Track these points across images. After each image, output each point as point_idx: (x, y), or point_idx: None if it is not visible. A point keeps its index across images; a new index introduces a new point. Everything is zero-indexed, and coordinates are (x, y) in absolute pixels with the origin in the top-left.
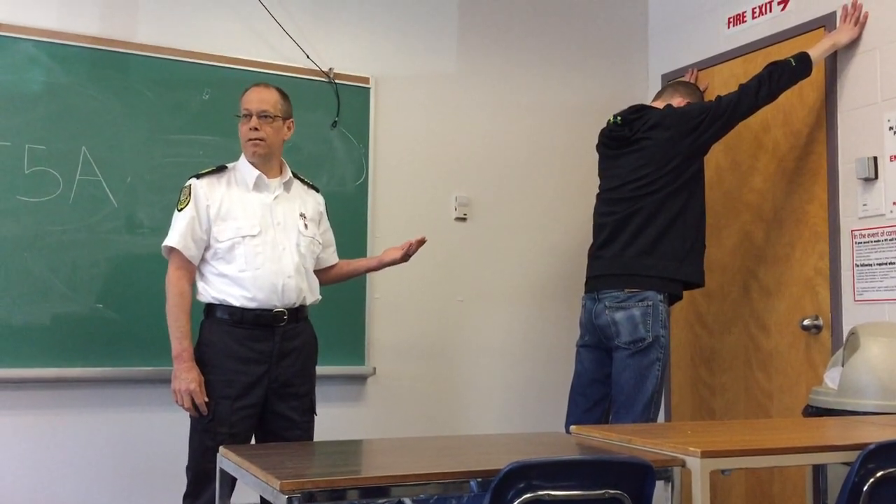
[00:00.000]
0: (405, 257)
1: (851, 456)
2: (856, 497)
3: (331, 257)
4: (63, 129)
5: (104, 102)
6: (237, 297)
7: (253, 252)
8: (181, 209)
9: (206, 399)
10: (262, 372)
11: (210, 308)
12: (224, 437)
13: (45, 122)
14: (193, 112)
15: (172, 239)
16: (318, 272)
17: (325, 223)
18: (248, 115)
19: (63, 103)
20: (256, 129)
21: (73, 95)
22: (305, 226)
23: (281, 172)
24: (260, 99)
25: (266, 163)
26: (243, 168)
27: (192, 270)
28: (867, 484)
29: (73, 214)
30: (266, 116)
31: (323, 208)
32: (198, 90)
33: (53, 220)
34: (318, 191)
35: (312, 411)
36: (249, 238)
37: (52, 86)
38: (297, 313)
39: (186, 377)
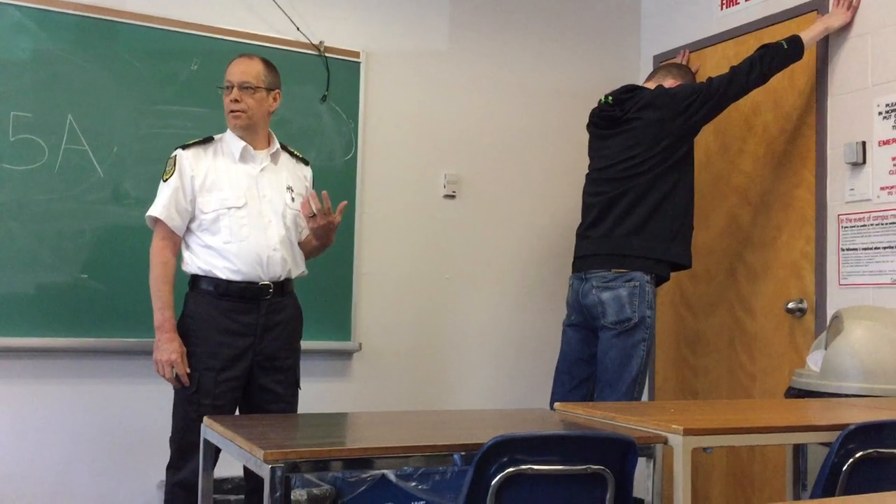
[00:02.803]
0: (317, 225)
1: (831, 436)
2: (835, 477)
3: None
4: (49, 98)
5: (91, 71)
6: (222, 269)
7: (238, 224)
8: (166, 179)
9: (189, 370)
10: (247, 345)
11: (195, 279)
12: (208, 409)
13: (31, 89)
14: (182, 83)
15: (156, 210)
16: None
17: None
18: (230, 87)
19: (50, 71)
20: (237, 100)
21: (60, 63)
22: (292, 199)
23: (269, 144)
24: (242, 70)
25: (250, 134)
26: (230, 139)
27: (177, 241)
28: (846, 464)
29: (58, 183)
30: (248, 88)
31: (309, 182)
32: (187, 61)
33: (38, 188)
34: (307, 163)
35: (297, 385)
36: (234, 209)
37: (39, 53)
38: (283, 287)
39: (168, 347)
